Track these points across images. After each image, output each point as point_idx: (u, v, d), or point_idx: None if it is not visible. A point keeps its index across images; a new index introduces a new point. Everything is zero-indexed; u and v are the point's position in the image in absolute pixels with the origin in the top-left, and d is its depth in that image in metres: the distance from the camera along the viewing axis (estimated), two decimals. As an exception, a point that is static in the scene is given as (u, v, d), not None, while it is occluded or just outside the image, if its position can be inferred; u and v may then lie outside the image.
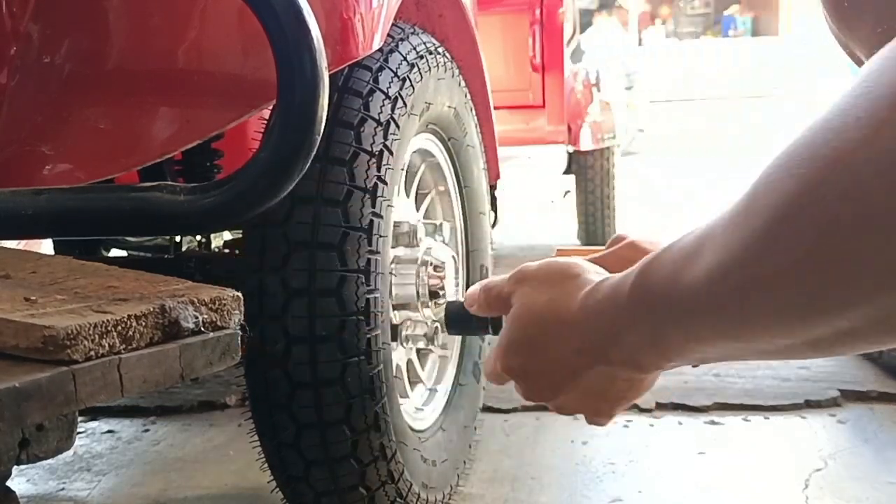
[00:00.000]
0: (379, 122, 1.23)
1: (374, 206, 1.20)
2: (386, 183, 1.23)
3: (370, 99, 1.24)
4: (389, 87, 1.27)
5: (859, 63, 0.51)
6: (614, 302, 0.57)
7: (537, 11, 3.42)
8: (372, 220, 1.20)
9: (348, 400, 1.20)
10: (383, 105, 1.25)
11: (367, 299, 1.19)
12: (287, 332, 1.17)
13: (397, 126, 1.26)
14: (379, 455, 1.25)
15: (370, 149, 1.21)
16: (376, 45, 1.24)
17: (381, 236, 1.22)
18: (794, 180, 0.39)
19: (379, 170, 1.21)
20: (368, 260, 1.19)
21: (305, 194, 1.16)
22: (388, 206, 1.24)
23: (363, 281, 1.19)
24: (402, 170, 1.33)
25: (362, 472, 1.25)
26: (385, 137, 1.23)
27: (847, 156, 0.37)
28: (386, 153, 1.23)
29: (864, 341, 0.42)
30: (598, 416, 0.70)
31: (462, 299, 0.83)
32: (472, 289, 0.80)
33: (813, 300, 0.40)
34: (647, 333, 0.54)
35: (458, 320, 0.85)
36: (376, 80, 1.26)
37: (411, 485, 1.33)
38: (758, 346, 0.47)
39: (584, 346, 0.62)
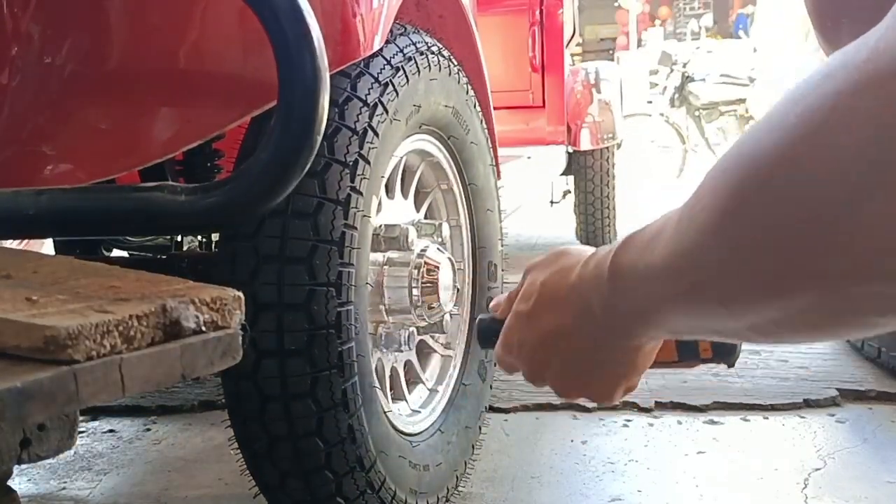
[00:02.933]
0: (354, 131, 1.21)
1: (346, 217, 1.19)
2: (361, 194, 1.21)
3: (346, 107, 1.22)
4: (368, 93, 1.24)
5: None
6: (599, 276, 0.62)
7: (537, 11, 3.42)
8: (344, 233, 1.18)
9: (319, 413, 1.20)
10: (360, 113, 1.22)
11: (339, 312, 1.18)
12: (256, 345, 1.17)
13: (376, 134, 1.24)
14: (356, 466, 1.24)
15: (343, 159, 1.19)
16: (377, 45, 1.24)
17: (354, 248, 1.20)
18: (731, 181, 0.43)
19: (353, 180, 1.20)
20: (340, 273, 1.18)
21: (275, 206, 1.14)
22: (364, 216, 1.22)
23: (334, 294, 1.18)
24: (383, 177, 1.31)
25: (339, 483, 1.24)
26: (361, 147, 1.21)
27: (779, 161, 0.40)
28: (361, 163, 1.21)
29: (794, 332, 0.46)
30: (600, 396, 0.72)
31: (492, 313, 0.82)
32: (496, 298, 0.81)
33: (744, 292, 0.44)
34: (626, 306, 0.59)
35: (487, 332, 0.82)
36: (354, 88, 1.24)
37: (395, 492, 1.33)
38: (711, 326, 0.52)
39: (577, 312, 0.66)
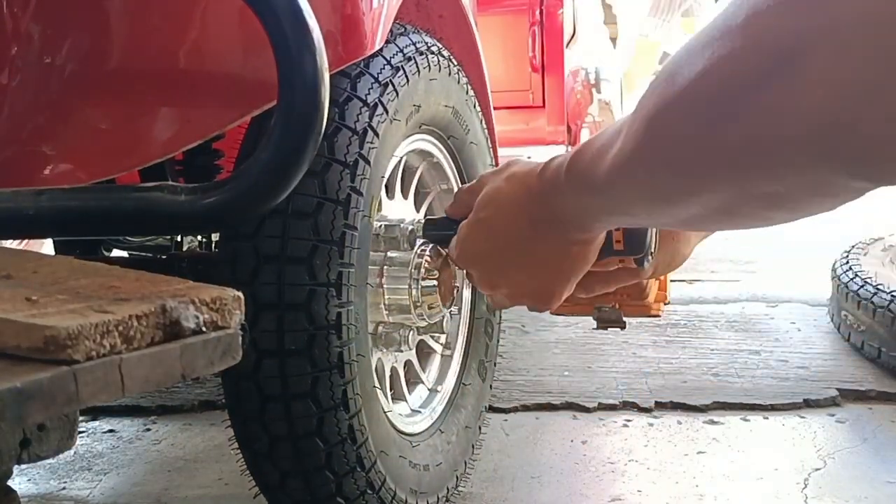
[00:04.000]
0: (354, 132, 1.21)
1: (346, 217, 1.19)
2: (361, 194, 1.21)
3: (346, 107, 1.22)
4: (368, 93, 1.24)
5: None
6: (556, 179, 0.68)
7: (537, 11, 3.42)
8: (344, 233, 1.18)
9: (319, 413, 1.20)
10: (360, 113, 1.22)
11: (339, 312, 1.18)
12: (257, 345, 1.17)
13: (376, 134, 1.24)
14: (356, 466, 1.24)
15: (343, 159, 1.19)
16: (377, 45, 1.24)
17: (354, 248, 1.20)
18: (656, 96, 0.51)
19: (353, 180, 1.20)
20: (340, 273, 1.18)
21: (275, 206, 1.14)
22: (364, 216, 1.22)
23: (334, 294, 1.18)
24: (383, 177, 1.32)
25: (339, 483, 1.24)
26: (361, 147, 1.21)
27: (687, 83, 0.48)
28: (361, 163, 1.21)
29: (712, 224, 0.59)
30: (550, 295, 0.77)
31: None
32: (454, 195, 0.86)
33: (672, 189, 0.54)
34: (583, 203, 0.66)
35: (433, 230, 0.88)
36: (354, 88, 1.24)
37: (396, 492, 1.33)
38: (656, 220, 0.63)
39: (535, 215, 0.72)
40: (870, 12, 0.38)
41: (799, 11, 0.41)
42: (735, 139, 0.46)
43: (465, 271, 0.83)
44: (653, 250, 0.78)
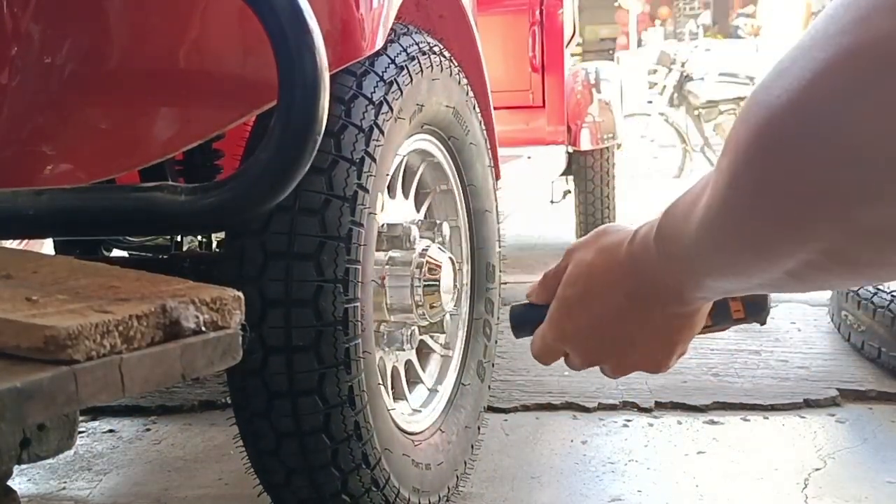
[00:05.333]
0: (361, 129, 1.22)
1: (353, 214, 1.19)
2: (367, 191, 1.21)
3: (352, 105, 1.22)
4: (374, 92, 1.25)
5: None
6: (646, 248, 0.63)
7: (537, 11, 3.42)
8: (351, 229, 1.19)
9: (327, 409, 1.20)
10: (366, 111, 1.23)
11: (346, 309, 1.18)
12: (264, 342, 1.17)
13: (381, 132, 1.25)
14: (361, 463, 1.24)
15: (350, 156, 1.20)
16: (378, 44, 1.24)
17: (361, 245, 1.20)
18: (744, 128, 0.45)
19: (359, 178, 1.20)
20: (347, 269, 1.18)
21: (283, 203, 1.14)
22: (370, 214, 1.23)
23: (341, 291, 1.18)
24: (388, 175, 1.32)
25: (344, 480, 1.24)
26: (367, 144, 1.22)
27: (775, 118, 0.43)
28: (368, 160, 1.21)
29: (827, 274, 0.48)
30: (657, 365, 0.72)
31: (525, 300, 0.81)
32: (532, 285, 0.80)
33: (773, 236, 0.46)
34: (676, 272, 0.61)
35: (521, 320, 0.81)
36: (359, 86, 1.24)
37: (399, 490, 1.33)
38: (754, 280, 0.53)
39: (631, 289, 0.67)
40: None
41: None
42: (843, 159, 0.40)
43: (561, 355, 0.77)
44: (772, 305, 0.75)
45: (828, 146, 0.40)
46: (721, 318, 0.73)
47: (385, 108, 1.26)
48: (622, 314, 0.68)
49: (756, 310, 0.73)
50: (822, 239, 0.44)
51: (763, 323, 0.75)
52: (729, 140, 0.47)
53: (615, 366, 0.73)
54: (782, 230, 0.45)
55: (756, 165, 0.45)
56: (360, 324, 1.21)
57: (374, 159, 1.23)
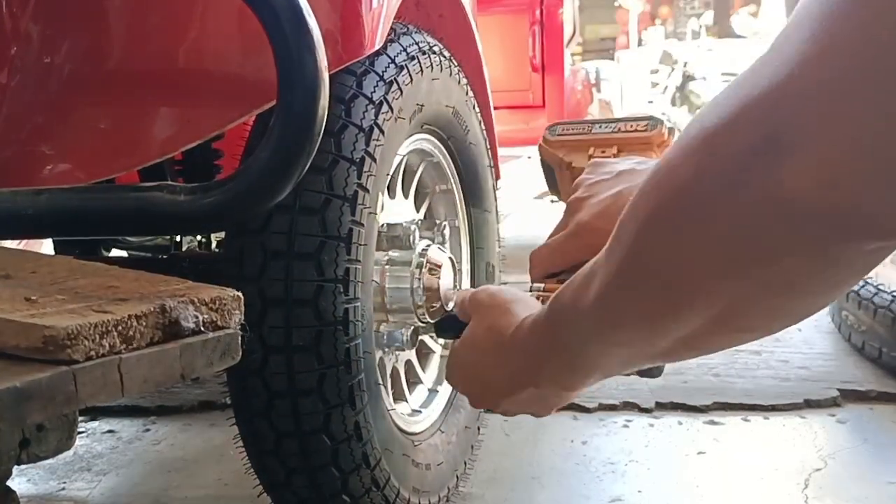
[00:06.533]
0: (361, 129, 1.21)
1: (353, 214, 1.19)
2: (367, 190, 1.21)
3: (352, 104, 1.22)
4: (374, 91, 1.25)
5: None
6: (535, 335, 0.68)
7: (537, 11, 3.42)
8: (351, 229, 1.18)
9: (327, 409, 1.19)
10: (366, 111, 1.23)
11: (346, 309, 1.18)
12: (264, 341, 1.17)
13: (381, 132, 1.24)
14: (361, 463, 1.24)
15: (350, 156, 1.19)
16: (377, 44, 1.24)
17: (361, 245, 1.20)
18: (639, 209, 0.51)
19: (360, 177, 1.20)
20: (347, 269, 1.18)
21: (283, 202, 1.13)
22: (370, 213, 1.23)
23: (341, 290, 1.17)
24: (388, 175, 1.32)
25: (344, 480, 1.24)
26: (367, 144, 1.21)
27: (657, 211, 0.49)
28: (368, 160, 1.21)
29: (716, 338, 0.53)
30: (538, 414, 0.80)
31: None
32: (459, 294, 0.89)
33: (661, 309, 0.52)
34: (564, 358, 0.65)
35: (445, 326, 0.92)
36: (360, 85, 1.24)
37: (399, 490, 1.33)
38: (647, 351, 0.57)
39: (515, 372, 0.72)
40: (851, 90, 0.39)
41: (784, 101, 0.41)
42: (734, 230, 0.45)
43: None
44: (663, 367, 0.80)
45: (710, 226, 0.46)
46: None
47: (385, 107, 1.25)
48: (505, 389, 0.75)
49: (648, 370, 0.78)
50: (715, 301, 0.49)
51: (657, 376, 0.82)
52: (622, 220, 0.53)
53: (505, 413, 0.81)
54: (678, 294, 0.50)
55: (644, 244, 0.51)
56: (360, 323, 1.21)
57: (374, 159, 1.22)
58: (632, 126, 0.96)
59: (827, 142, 0.40)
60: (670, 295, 0.51)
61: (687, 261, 0.48)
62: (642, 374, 0.78)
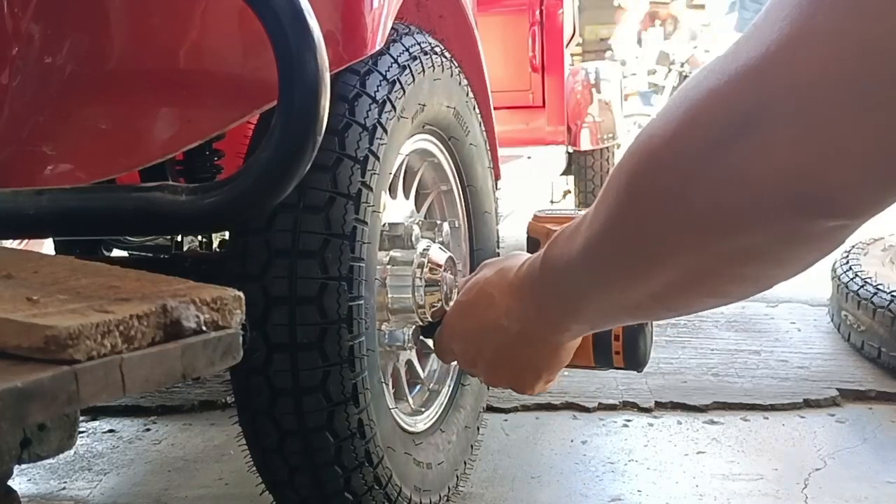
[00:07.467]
0: (364, 128, 1.22)
1: (357, 212, 1.19)
2: (371, 189, 1.21)
3: (356, 103, 1.22)
4: (377, 90, 1.25)
5: None
6: (531, 277, 0.70)
7: (537, 11, 3.42)
8: (355, 227, 1.19)
9: (330, 407, 1.20)
10: (370, 109, 1.23)
11: (350, 307, 1.18)
12: (268, 339, 1.17)
13: (385, 131, 1.25)
14: (364, 461, 1.24)
15: (354, 154, 1.20)
16: (378, 45, 1.24)
17: (365, 243, 1.21)
18: (627, 165, 0.53)
19: (363, 175, 1.20)
20: (351, 267, 1.18)
21: (287, 201, 1.13)
22: (374, 212, 1.23)
23: (345, 288, 1.18)
24: (391, 174, 1.32)
25: (347, 478, 1.24)
26: (371, 143, 1.22)
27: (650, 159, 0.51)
28: (371, 158, 1.22)
29: (687, 297, 0.56)
30: (522, 386, 0.80)
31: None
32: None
33: (636, 260, 0.55)
34: (555, 298, 0.68)
35: (430, 323, 0.93)
36: (363, 84, 1.24)
37: (401, 489, 1.33)
38: (623, 302, 0.61)
39: (511, 308, 0.74)
40: (825, 75, 0.40)
41: (758, 81, 0.43)
42: (702, 199, 0.47)
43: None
44: (649, 359, 0.83)
45: (688, 190, 0.48)
46: (603, 362, 0.81)
47: (388, 106, 1.26)
48: (498, 329, 0.76)
49: (635, 361, 0.81)
50: (684, 264, 0.52)
51: (640, 371, 0.83)
52: (613, 174, 0.55)
53: (486, 375, 0.81)
54: (653, 250, 0.53)
55: (628, 200, 0.53)
56: (363, 321, 1.21)
57: (377, 157, 1.23)
58: None
59: (797, 123, 0.42)
60: (640, 252, 0.54)
61: (656, 223, 0.51)
62: (629, 362, 0.80)
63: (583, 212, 0.63)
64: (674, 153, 0.48)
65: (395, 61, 1.30)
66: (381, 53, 1.27)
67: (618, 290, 0.60)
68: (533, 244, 1.05)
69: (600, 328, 0.74)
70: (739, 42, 0.45)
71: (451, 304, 0.84)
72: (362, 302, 1.21)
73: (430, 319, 0.98)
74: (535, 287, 0.69)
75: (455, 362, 0.89)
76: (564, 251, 0.63)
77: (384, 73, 1.27)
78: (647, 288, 0.56)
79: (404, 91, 1.30)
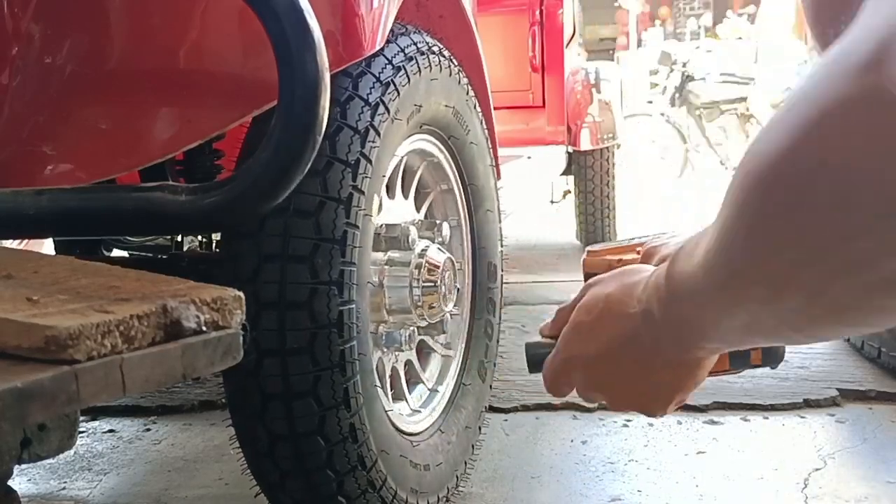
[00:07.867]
0: (356, 131, 1.21)
1: (348, 216, 1.19)
2: (363, 193, 1.21)
3: (348, 106, 1.22)
4: (370, 93, 1.24)
5: None
6: (658, 287, 0.65)
7: (537, 11, 3.42)
8: (346, 231, 1.18)
9: (321, 411, 1.19)
10: (362, 112, 1.22)
11: (341, 311, 1.18)
12: (258, 344, 1.17)
13: (378, 133, 1.24)
14: (357, 465, 1.24)
15: (345, 158, 1.19)
16: (378, 44, 1.24)
17: (356, 247, 1.20)
18: (745, 179, 0.48)
19: (354, 179, 1.20)
20: (342, 271, 1.18)
21: (277, 205, 1.12)
22: (366, 215, 1.23)
23: (336, 293, 1.18)
24: (385, 176, 1.32)
25: (340, 482, 1.24)
26: (362, 146, 1.21)
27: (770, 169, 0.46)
28: (363, 162, 1.21)
29: (826, 316, 0.49)
30: (651, 409, 0.74)
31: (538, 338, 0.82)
32: (544, 322, 0.81)
33: (769, 286, 0.49)
34: (683, 316, 0.62)
35: (537, 356, 0.81)
36: (356, 87, 1.24)
37: (396, 492, 1.33)
38: (755, 324, 0.55)
39: (639, 328, 0.68)
40: None
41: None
42: (817, 218, 0.43)
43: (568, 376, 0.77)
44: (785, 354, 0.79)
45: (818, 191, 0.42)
46: (739, 363, 0.77)
47: (381, 109, 1.25)
48: (627, 351, 0.69)
49: (773, 357, 0.77)
50: (804, 291, 0.47)
51: (774, 368, 0.79)
52: (731, 185, 0.50)
53: (612, 400, 0.74)
54: (786, 270, 0.47)
55: (751, 212, 0.48)
56: (355, 326, 1.21)
57: (369, 161, 1.22)
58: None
59: None
60: (751, 272, 0.50)
61: (775, 243, 0.46)
62: (766, 360, 0.77)
63: (704, 229, 0.57)
64: (792, 164, 0.43)
65: (390, 63, 1.29)
66: (374, 55, 1.26)
67: (751, 315, 0.54)
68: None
69: (735, 347, 0.69)
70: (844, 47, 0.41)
71: (566, 328, 0.75)
72: (353, 306, 1.20)
73: (530, 352, 0.85)
74: (663, 301, 0.64)
75: (568, 392, 0.78)
76: (689, 266, 0.59)
77: (377, 75, 1.26)
78: (782, 312, 0.51)
79: (398, 93, 1.29)
